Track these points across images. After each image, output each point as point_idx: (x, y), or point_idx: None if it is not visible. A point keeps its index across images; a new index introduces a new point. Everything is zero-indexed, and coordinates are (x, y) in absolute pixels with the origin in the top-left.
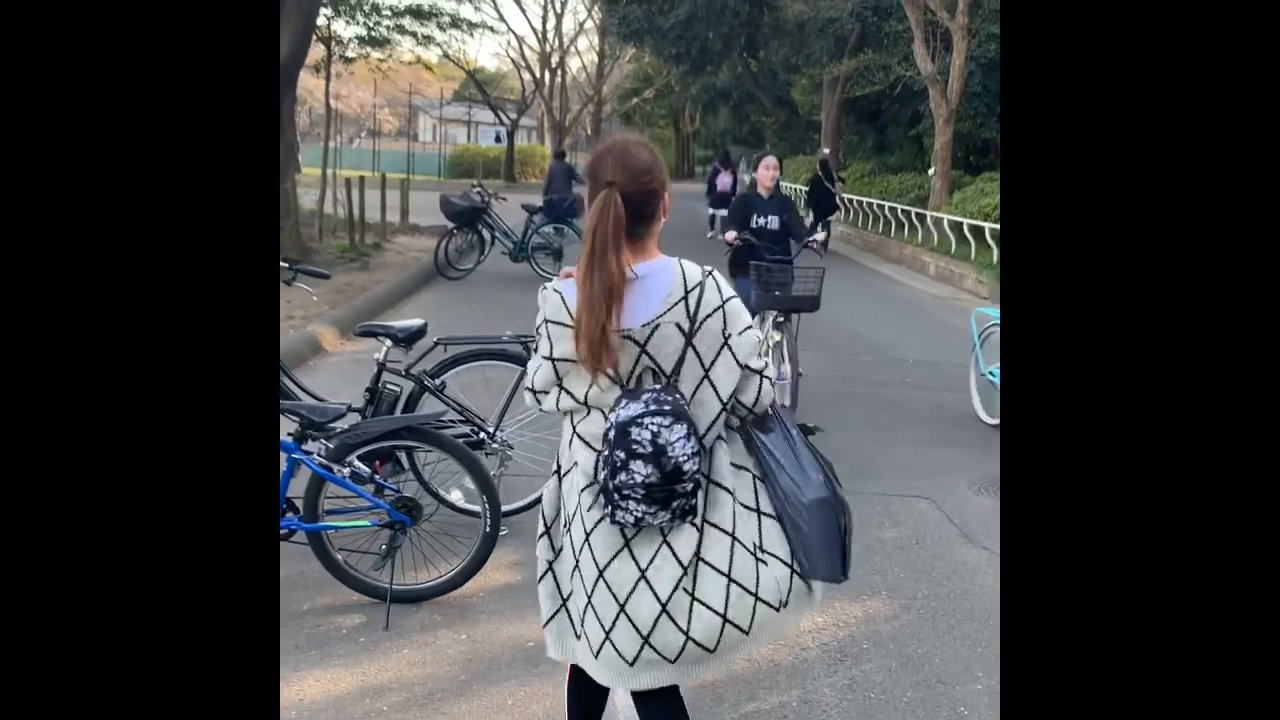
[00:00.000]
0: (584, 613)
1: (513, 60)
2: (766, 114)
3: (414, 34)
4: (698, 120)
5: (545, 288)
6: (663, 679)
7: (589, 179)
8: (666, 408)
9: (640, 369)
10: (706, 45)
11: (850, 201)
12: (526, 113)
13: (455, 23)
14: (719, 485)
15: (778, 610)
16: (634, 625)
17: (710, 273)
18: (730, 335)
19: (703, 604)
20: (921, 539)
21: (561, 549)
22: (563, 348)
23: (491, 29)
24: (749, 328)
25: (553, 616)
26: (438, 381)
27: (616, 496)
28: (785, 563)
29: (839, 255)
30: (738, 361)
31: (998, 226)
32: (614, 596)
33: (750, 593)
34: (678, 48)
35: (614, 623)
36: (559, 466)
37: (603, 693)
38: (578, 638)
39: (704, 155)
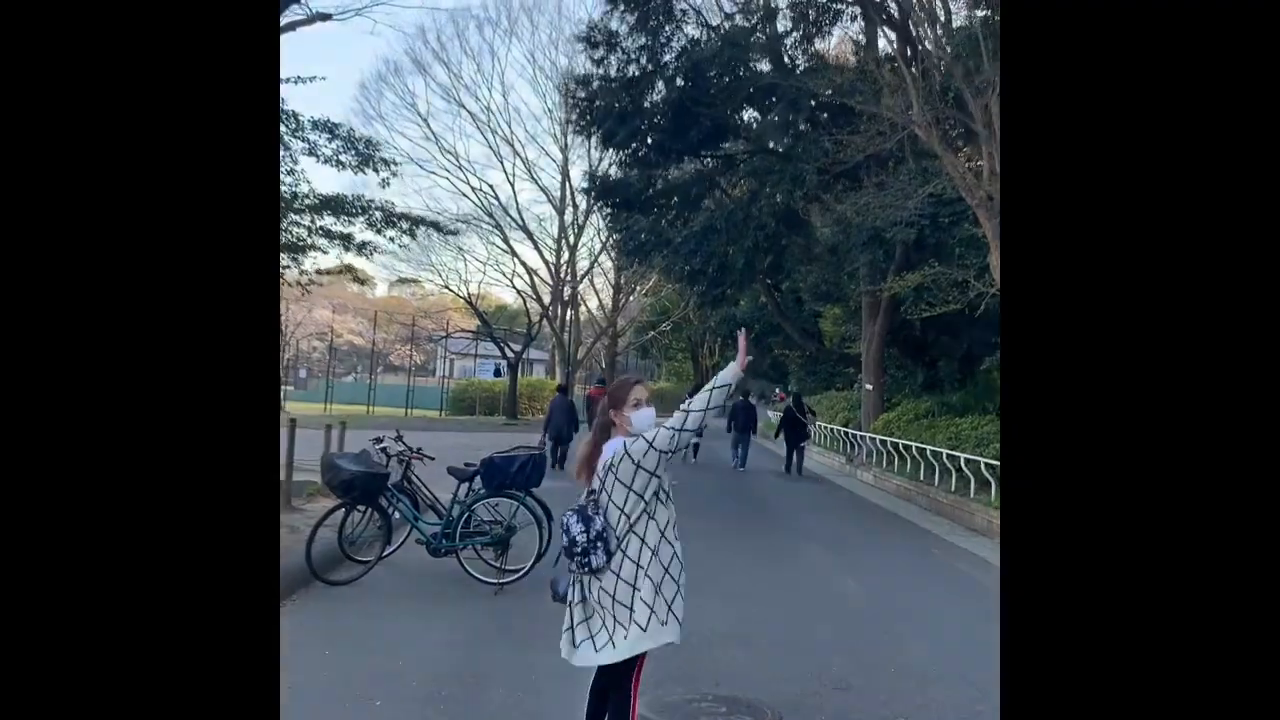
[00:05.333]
0: (579, 624)
1: (518, 291)
2: (792, 346)
3: (341, 237)
4: (716, 353)
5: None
6: (614, 657)
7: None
8: (575, 508)
9: (595, 487)
10: (726, 262)
11: (905, 449)
12: (535, 344)
13: (390, 220)
14: (649, 547)
15: (664, 624)
16: (604, 625)
17: (625, 444)
18: (634, 456)
19: (633, 616)
20: None
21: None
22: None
23: (446, 234)
24: (638, 441)
25: (568, 629)
26: None
27: (565, 554)
28: (666, 600)
29: (900, 518)
30: (638, 462)
31: None
32: (585, 612)
33: (655, 613)
34: (691, 264)
35: (596, 627)
36: None
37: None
38: (574, 644)
39: None
